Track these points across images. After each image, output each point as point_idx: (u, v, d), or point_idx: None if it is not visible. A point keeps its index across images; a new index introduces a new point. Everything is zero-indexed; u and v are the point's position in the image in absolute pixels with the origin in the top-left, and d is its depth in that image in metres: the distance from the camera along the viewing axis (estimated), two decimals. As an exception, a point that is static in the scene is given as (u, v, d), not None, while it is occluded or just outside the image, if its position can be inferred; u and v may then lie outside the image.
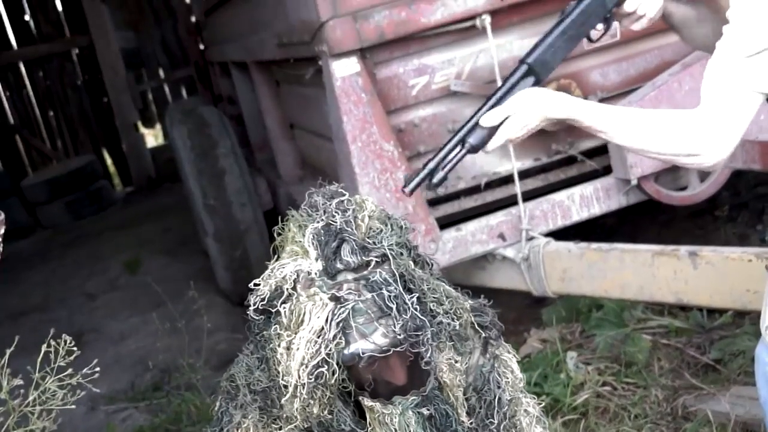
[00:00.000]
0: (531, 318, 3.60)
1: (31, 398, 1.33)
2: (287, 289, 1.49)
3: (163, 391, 3.96)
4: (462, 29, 3.09)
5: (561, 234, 3.25)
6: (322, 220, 1.52)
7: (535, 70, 1.78)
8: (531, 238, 3.16)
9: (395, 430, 1.54)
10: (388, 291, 1.46)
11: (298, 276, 1.50)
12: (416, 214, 3.03)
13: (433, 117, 3.26)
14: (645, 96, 3.12)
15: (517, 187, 3.13)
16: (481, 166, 3.32)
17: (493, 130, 1.74)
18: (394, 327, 1.46)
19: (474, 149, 1.75)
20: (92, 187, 9.16)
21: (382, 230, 1.54)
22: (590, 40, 1.85)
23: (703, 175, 3.31)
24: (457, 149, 1.75)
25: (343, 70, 2.97)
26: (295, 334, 1.47)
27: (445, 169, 1.76)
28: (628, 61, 3.33)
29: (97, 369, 1.58)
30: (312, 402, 1.50)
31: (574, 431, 2.78)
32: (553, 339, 3.27)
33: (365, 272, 1.49)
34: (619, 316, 3.26)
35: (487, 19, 3.02)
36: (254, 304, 1.54)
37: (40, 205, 8.97)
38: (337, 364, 1.46)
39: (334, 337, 1.45)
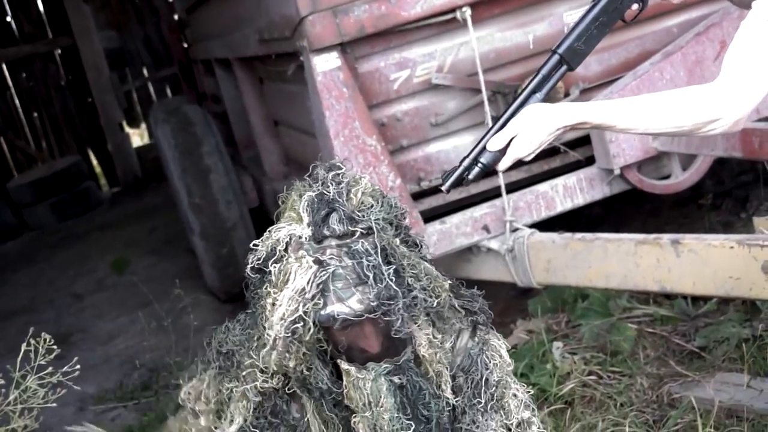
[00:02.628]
0: (517, 309, 3.62)
1: (12, 397, 1.33)
2: (279, 250, 1.59)
3: (152, 390, 3.96)
4: (443, 22, 3.09)
5: (546, 225, 3.26)
6: (318, 189, 1.62)
7: (567, 60, 1.80)
8: (515, 230, 3.16)
9: (368, 394, 1.61)
10: (367, 260, 1.55)
11: (290, 239, 1.59)
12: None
13: (415, 111, 3.26)
14: (626, 86, 3.13)
15: (501, 180, 3.14)
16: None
17: (503, 151, 1.78)
18: (369, 295, 1.54)
19: (487, 168, 1.80)
20: (78, 188, 9.12)
21: (372, 206, 1.62)
22: (625, 21, 1.85)
23: (686, 163, 3.33)
24: (475, 168, 1.79)
25: (324, 65, 2.97)
26: (281, 291, 1.56)
27: (470, 178, 1.81)
28: (609, 51, 3.33)
29: (78, 367, 1.58)
30: (288, 355, 1.59)
31: (561, 420, 2.78)
32: (539, 329, 3.29)
33: (349, 241, 1.57)
34: (604, 306, 3.28)
35: (468, 12, 3.02)
36: (251, 263, 1.63)
37: (26, 206, 8.93)
38: (313, 322, 1.56)
39: (313, 297, 1.54)
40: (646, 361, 3.02)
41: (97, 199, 9.32)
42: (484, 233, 3.19)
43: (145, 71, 10.30)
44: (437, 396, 1.71)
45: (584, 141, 3.32)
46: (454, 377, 1.75)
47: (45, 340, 1.66)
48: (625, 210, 4.18)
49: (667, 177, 3.35)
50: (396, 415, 1.63)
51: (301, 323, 1.55)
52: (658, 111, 1.75)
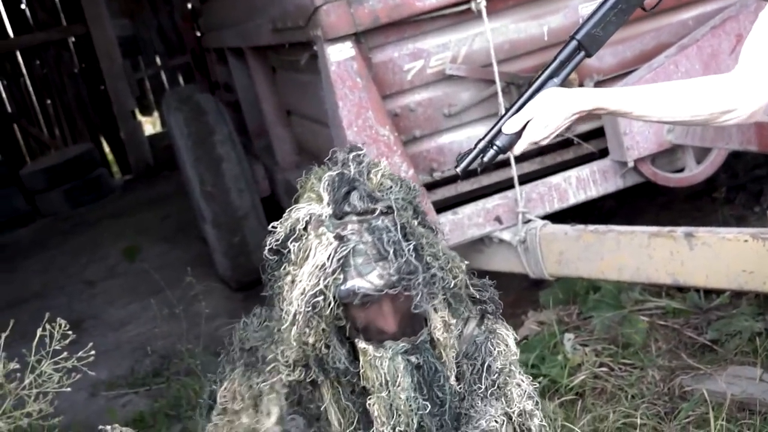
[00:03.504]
0: (528, 300, 3.62)
1: (27, 381, 1.34)
2: (299, 229, 1.60)
3: (163, 376, 3.98)
4: (457, 12, 3.08)
5: (559, 217, 3.26)
6: (338, 168, 1.64)
7: (585, 46, 1.79)
8: (528, 221, 3.16)
9: (384, 373, 1.62)
10: (388, 236, 1.56)
11: (310, 218, 1.60)
12: (413, 198, 3.04)
13: (428, 101, 3.25)
14: (641, 78, 3.12)
15: (514, 171, 3.14)
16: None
17: (518, 134, 1.77)
18: (390, 270, 1.55)
19: (502, 151, 1.78)
20: (91, 175, 9.16)
21: (391, 187, 1.63)
22: (644, 9, 1.85)
23: (700, 156, 3.32)
24: (490, 150, 1.78)
25: (338, 55, 2.97)
26: (300, 268, 1.58)
27: (485, 160, 1.79)
28: (624, 43, 3.31)
29: (93, 353, 1.59)
30: (308, 330, 1.60)
31: (571, 412, 2.79)
32: (550, 321, 3.29)
33: (370, 217, 1.58)
34: (616, 298, 3.28)
35: (483, 2, 3.01)
36: (269, 245, 1.64)
37: (39, 193, 8.97)
38: (333, 297, 1.56)
39: (334, 271, 1.55)
40: (658, 353, 3.02)
41: (109, 187, 9.36)
42: (497, 224, 3.19)
43: (158, 59, 10.32)
44: (449, 379, 1.72)
45: (598, 133, 3.31)
46: (458, 364, 1.76)
47: (60, 325, 1.67)
48: (639, 203, 4.17)
49: (681, 170, 3.34)
50: (413, 395, 1.64)
51: (322, 297, 1.56)
52: (674, 99, 1.75)
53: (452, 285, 1.67)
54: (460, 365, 1.76)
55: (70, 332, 1.65)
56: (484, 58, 3.13)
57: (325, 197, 1.62)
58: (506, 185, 3.25)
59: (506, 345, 1.81)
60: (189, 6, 7.39)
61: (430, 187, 3.29)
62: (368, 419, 1.72)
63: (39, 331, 1.60)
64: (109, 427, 1.58)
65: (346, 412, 1.74)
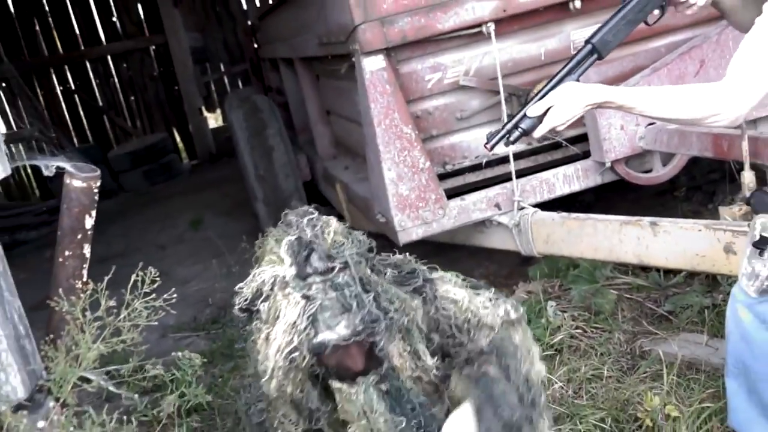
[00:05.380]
0: (520, 274, 3.61)
1: (122, 315, 1.38)
2: (266, 290, 1.50)
3: (220, 323, 4.01)
4: (471, 34, 3.08)
5: (547, 206, 3.25)
6: (295, 233, 1.53)
7: (598, 49, 1.78)
8: (522, 208, 3.15)
9: (362, 404, 1.55)
10: (349, 291, 1.48)
11: (275, 280, 1.50)
12: (429, 186, 3.05)
13: (444, 106, 3.26)
14: (620, 94, 3.11)
15: (512, 166, 3.13)
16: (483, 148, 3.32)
17: (540, 119, 1.74)
18: (355, 320, 1.47)
19: (526, 133, 1.75)
20: (164, 160, 9.22)
21: (344, 243, 1.55)
22: (647, 24, 1.82)
23: (666, 160, 3.30)
24: (516, 131, 1.76)
25: (372, 66, 2.98)
26: (273, 327, 1.48)
27: (511, 140, 1.77)
28: (606, 64, 3.26)
29: (174, 296, 1.63)
30: (286, 382, 1.52)
31: (551, 365, 2.79)
32: (537, 291, 3.29)
33: (330, 276, 1.49)
34: (591, 274, 3.27)
35: (492, 27, 3.01)
36: (238, 304, 1.55)
37: (123, 172, 9.05)
38: (308, 350, 1.48)
39: (305, 328, 1.47)
40: (624, 320, 3.03)
41: (178, 169, 9.42)
42: (496, 210, 3.19)
43: (222, 66, 10.34)
44: (415, 396, 1.63)
45: (582, 138, 3.29)
46: (430, 339, 1.67)
47: (150, 272, 1.71)
48: (613, 197, 4.16)
49: (649, 171, 3.32)
50: (389, 416, 1.57)
51: (297, 352, 1.47)
52: (670, 102, 1.72)
53: (406, 322, 1.58)
54: (432, 341, 1.67)
55: (158, 278, 1.68)
56: (491, 72, 3.13)
57: (287, 260, 1.51)
58: (505, 178, 3.24)
59: (455, 302, 1.70)
60: (249, 23, 7.41)
61: (443, 177, 3.29)
62: None
63: (133, 277, 1.65)
64: (180, 354, 1.61)
65: None
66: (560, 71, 1.78)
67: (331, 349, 1.48)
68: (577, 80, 1.78)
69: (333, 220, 1.60)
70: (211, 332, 3.96)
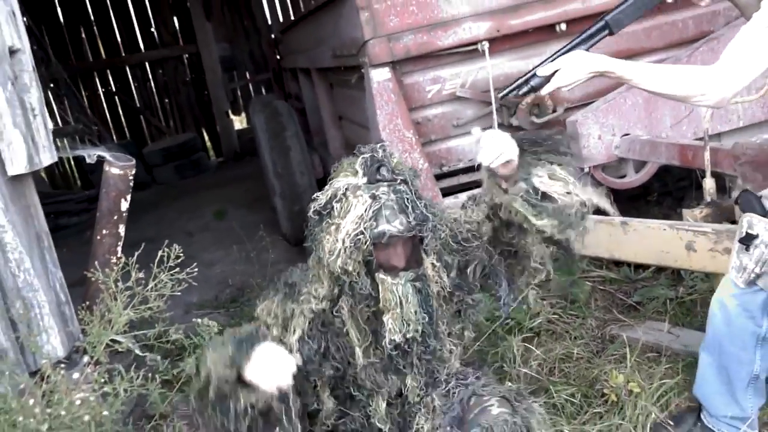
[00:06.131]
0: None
1: (150, 286, 1.44)
2: (341, 194, 1.67)
3: (238, 302, 4.04)
4: (467, 51, 3.12)
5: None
6: (369, 153, 1.70)
7: (610, 25, 1.78)
8: (508, 207, 3.18)
9: (399, 295, 1.69)
10: (406, 196, 1.66)
11: (349, 186, 1.68)
12: (426, 185, 3.06)
13: (442, 115, 3.29)
14: (598, 108, 3.13)
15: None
16: (476, 152, 3.34)
17: (548, 78, 1.77)
18: (409, 218, 1.64)
19: (534, 89, 1.79)
20: (193, 157, 9.26)
21: (403, 168, 1.73)
22: (663, 2, 1.81)
23: (638, 167, 3.32)
24: (525, 87, 1.80)
25: (379, 77, 3.02)
26: (343, 219, 1.65)
27: (520, 93, 1.82)
28: (588, 81, 3.32)
29: (196, 270, 1.68)
30: (349, 261, 1.66)
31: (531, 345, 2.81)
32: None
33: (394, 184, 1.67)
34: (569, 267, 3.29)
35: (486, 45, 3.04)
36: (313, 209, 1.72)
37: (156, 167, 9.09)
38: (370, 237, 1.64)
39: (370, 219, 1.64)
40: (596, 308, 3.05)
41: (206, 166, 9.46)
42: (485, 207, 3.21)
43: (247, 74, 10.38)
44: (438, 303, 1.80)
45: (564, 146, 3.32)
46: (442, 258, 1.82)
47: (175, 248, 1.76)
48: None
49: (624, 177, 3.34)
50: (418, 309, 1.71)
51: (362, 236, 1.63)
52: (664, 78, 1.73)
53: (443, 235, 1.76)
54: (442, 256, 1.82)
55: (181, 255, 1.73)
56: (484, 85, 3.15)
57: (360, 172, 1.69)
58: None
59: (455, 218, 1.88)
60: (272, 36, 7.44)
61: (439, 177, 3.32)
62: (377, 339, 1.78)
63: (160, 253, 1.70)
64: (199, 320, 1.65)
65: (361, 333, 1.80)
66: (573, 40, 1.78)
67: (387, 239, 1.64)
68: (587, 51, 1.79)
69: (396, 153, 1.82)
70: (230, 310, 4.00)
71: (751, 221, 1.86)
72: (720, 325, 1.99)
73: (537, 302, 3.06)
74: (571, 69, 1.75)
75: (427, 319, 1.73)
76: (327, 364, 1.80)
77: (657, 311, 2.92)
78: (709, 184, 2.56)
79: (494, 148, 1.73)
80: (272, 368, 1.58)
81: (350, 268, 1.68)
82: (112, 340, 1.45)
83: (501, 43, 3.15)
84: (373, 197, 1.65)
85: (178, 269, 1.56)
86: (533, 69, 1.79)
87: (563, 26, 3.10)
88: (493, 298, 2.03)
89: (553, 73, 1.76)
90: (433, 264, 1.79)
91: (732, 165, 2.48)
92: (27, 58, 1.85)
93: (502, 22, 3.08)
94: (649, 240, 2.54)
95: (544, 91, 1.80)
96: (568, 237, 1.87)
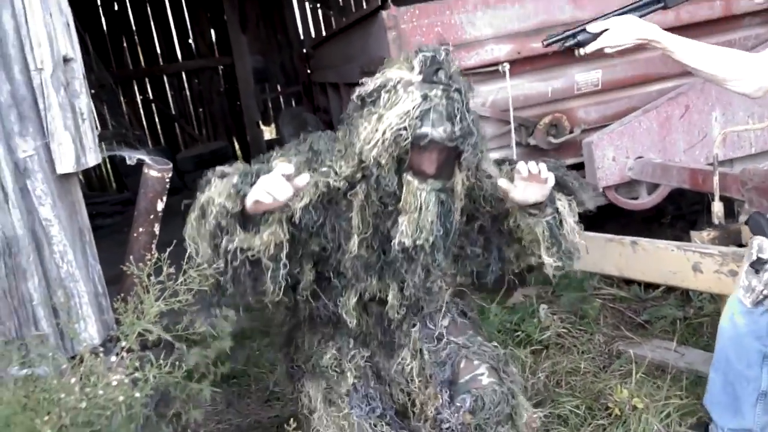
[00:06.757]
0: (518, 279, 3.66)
1: (179, 280, 1.53)
2: (391, 85, 1.60)
3: (259, 304, 4.06)
4: (488, 72, 3.16)
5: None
6: (432, 51, 1.62)
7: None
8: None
9: (421, 201, 1.63)
10: (457, 105, 1.57)
11: (401, 80, 1.60)
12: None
13: (462, 132, 3.33)
14: (613, 131, 3.17)
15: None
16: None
17: (595, 36, 1.76)
18: (455, 128, 1.57)
19: (579, 45, 1.78)
20: (224, 164, 9.33)
21: (461, 78, 1.65)
22: None
23: (651, 189, 3.35)
24: (572, 40, 1.79)
25: (403, 93, 3.07)
26: (387, 111, 1.57)
27: (565, 45, 1.80)
28: (605, 104, 3.36)
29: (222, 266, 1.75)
30: (385, 153, 1.59)
31: (539, 357, 2.86)
32: (531, 295, 3.35)
33: (448, 90, 1.58)
34: (580, 284, 3.33)
35: (507, 66, 3.09)
36: (358, 93, 1.64)
37: (188, 173, 9.14)
38: (411, 135, 1.56)
39: (415, 117, 1.56)
40: (605, 325, 3.07)
41: (236, 173, 9.52)
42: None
43: (278, 87, 10.50)
44: (456, 219, 1.72)
45: (579, 166, 3.32)
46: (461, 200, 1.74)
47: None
48: (606, 223, 4.13)
49: (636, 198, 3.36)
50: (435, 219, 1.65)
51: (404, 132, 1.55)
52: (705, 57, 1.72)
53: (480, 153, 1.66)
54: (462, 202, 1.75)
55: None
56: (504, 104, 3.19)
57: (417, 68, 1.59)
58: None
59: (490, 176, 1.76)
60: (304, 51, 7.56)
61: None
62: (377, 235, 1.70)
63: (189, 250, 1.80)
64: (216, 310, 1.71)
65: (364, 223, 1.72)
66: (627, 5, 1.77)
67: (427, 142, 1.55)
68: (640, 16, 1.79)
69: (458, 61, 1.68)
70: (251, 312, 4.06)
71: (761, 245, 1.87)
72: (727, 340, 2.01)
73: (547, 317, 3.13)
74: (620, 31, 1.74)
75: (441, 232, 1.66)
76: (316, 240, 1.71)
77: (664, 330, 2.94)
78: (717, 207, 2.59)
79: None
80: (276, 185, 1.50)
81: (383, 161, 1.59)
82: (143, 330, 1.55)
83: (521, 64, 3.19)
84: (425, 97, 1.55)
85: (205, 266, 1.64)
86: (583, 24, 1.77)
87: (581, 50, 3.15)
88: (486, 269, 1.94)
89: (602, 32, 1.75)
90: (463, 181, 1.70)
91: (739, 190, 2.50)
92: (78, 66, 1.97)
93: (524, 44, 3.13)
94: (657, 260, 2.56)
95: (590, 48, 1.77)
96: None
